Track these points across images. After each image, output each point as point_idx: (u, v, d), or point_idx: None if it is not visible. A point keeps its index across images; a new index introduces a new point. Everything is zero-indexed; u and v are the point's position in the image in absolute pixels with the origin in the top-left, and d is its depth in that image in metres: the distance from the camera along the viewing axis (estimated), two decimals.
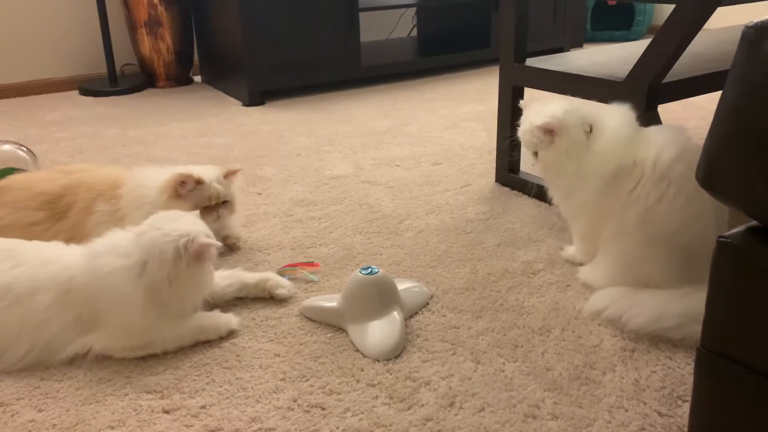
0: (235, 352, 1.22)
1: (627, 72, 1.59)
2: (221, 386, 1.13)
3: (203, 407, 1.08)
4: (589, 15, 4.40)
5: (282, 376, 1.15)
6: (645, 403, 1.06)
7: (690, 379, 1.10)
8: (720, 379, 0.78)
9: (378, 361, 1.18)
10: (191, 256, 1.18)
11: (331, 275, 1.49)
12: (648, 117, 1.50)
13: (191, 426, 1.04)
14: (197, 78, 3.64)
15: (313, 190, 2.00)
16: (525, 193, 1.92)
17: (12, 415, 1.06)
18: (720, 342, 0.77)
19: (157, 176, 1.53)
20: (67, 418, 1.06)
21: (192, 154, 2.38)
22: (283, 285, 1.40)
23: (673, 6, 1.46)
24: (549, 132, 1.34)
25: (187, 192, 1.49)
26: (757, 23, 0.69)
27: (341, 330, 1.27)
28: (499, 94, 1.96)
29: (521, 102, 1.52)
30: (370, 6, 3.36)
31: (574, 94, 1.74)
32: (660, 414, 1.04)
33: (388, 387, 1.11)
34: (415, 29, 4.18)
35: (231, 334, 1.27)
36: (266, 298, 1.39)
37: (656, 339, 1.22)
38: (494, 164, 2.06)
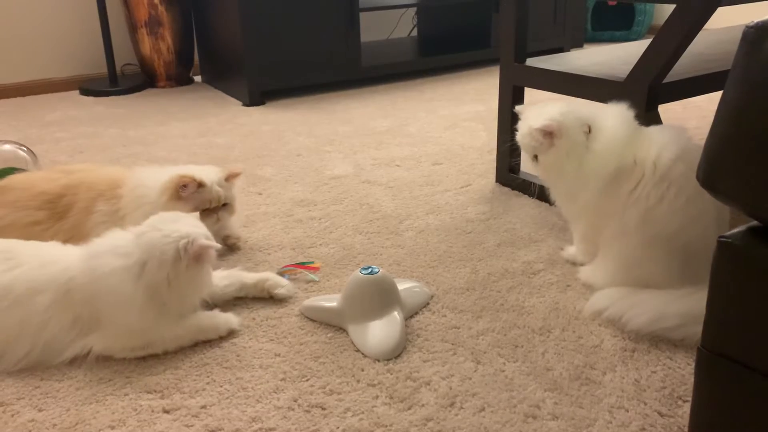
0: (235, 351, 1.22)
1: (627, 72, 1.59)
2: (221, 386, 1.13)
3: (203, 407, 1.08)
4: (589, 15, 4.40)
5: (282, 375, 1.15)
6: (645, 404, 1.06)
7: (690, 379, 1.10)
8: (720, 379, 0.78)
9: (378, 361, 1.18)
10: (191, 257, 1.18)
11: (332, 275, 1.49)
12: (648, 117, 1.50)
13: (191, 426, 1.04)
14: (197, 78, 3.64)
15: (314, 190, 2.00)
16: (525, 194, 1.92)
17: (12, 415, 1.07)
18: (720, 342, 0.77)
19: (157, 176, 1.53)
20: (68, 418, 1.06)
21: (192, 154, 2.38)
22: (282, 284, 1.40)
23: (673, 6, 1.46)
24: (548, 134, 1.34)
25: (188, 194, 1.49)
26: (757, 23, 0.69)
27: (341, 330, 1.27)
28: (500, 94, 1.96)
29: (517, 107, 1.51)
30: (370, 6, 3.36)
31: (574, 95, 1.74)
32: (660, 414, 1.04)
33: (388, 387, 1.11)
34: (416, 29, 4.18)
35: (231, 333, 1.27)
36: (266, 298, 1.39)
37: (657, 339, 1.22)
38: (494, 164, 2.06)
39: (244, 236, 1.68)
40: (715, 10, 1.44)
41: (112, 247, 1.21)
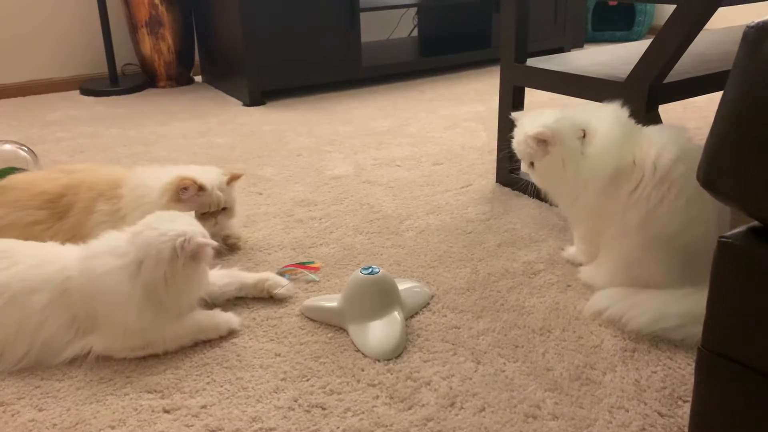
0: (235, 351, 1.22)
1: (628, 72, 1.59)
2: (222, 386, 1.13)
3: (204, 407, 1.08)
4: (589, 15, 4.40)
5: (283, 375, 1.15)
6: (645, 404, 1.06)
7: (690, 380, 1.10)
8: (720, 380, 0.78)
9: (379, 361, 1.18)
10: (188, 255, 1.18)
11: (332, 275, 1.49)
12: (649, 117, 1.50)
13: (192, 426, 1.04)
14: (198, 78, 3.64)
15: (314, 190, 2.00)
16: (526, 194, 1.92)
17: (12, 415, 1.07)
18: (720, 342, 0.77)
19: (158, 176, 1.53)
20: (68, 418, 1.06)
21: (192, 154, 2.38)
22: (282, 284, 1.40)
23: (674, 6, 1.46)
24: (542, 142, 1.34)
25: (188, 197, 1.49)
26: (758, 23, 0.69)
27: (342, 330, 1.27)
28: (500, 94, 1.96)
29: (513, 114, 1.51)
30: (370, 6, 3.36)
31: (574, 95, 1.74)
32: (660, 414, 1.04)
33: (388, 387, 1.11)
34: (416, 29, 4.18)
35: (231, 333, 1.27)
36: (266, 298, 1.39)
37: (657, 339, 1.22)
38: (495, 164, 2.06)
39: (245, 236, 1.68)
40: (716, 10, 1.44)
41: (109, 246, 1.21)
